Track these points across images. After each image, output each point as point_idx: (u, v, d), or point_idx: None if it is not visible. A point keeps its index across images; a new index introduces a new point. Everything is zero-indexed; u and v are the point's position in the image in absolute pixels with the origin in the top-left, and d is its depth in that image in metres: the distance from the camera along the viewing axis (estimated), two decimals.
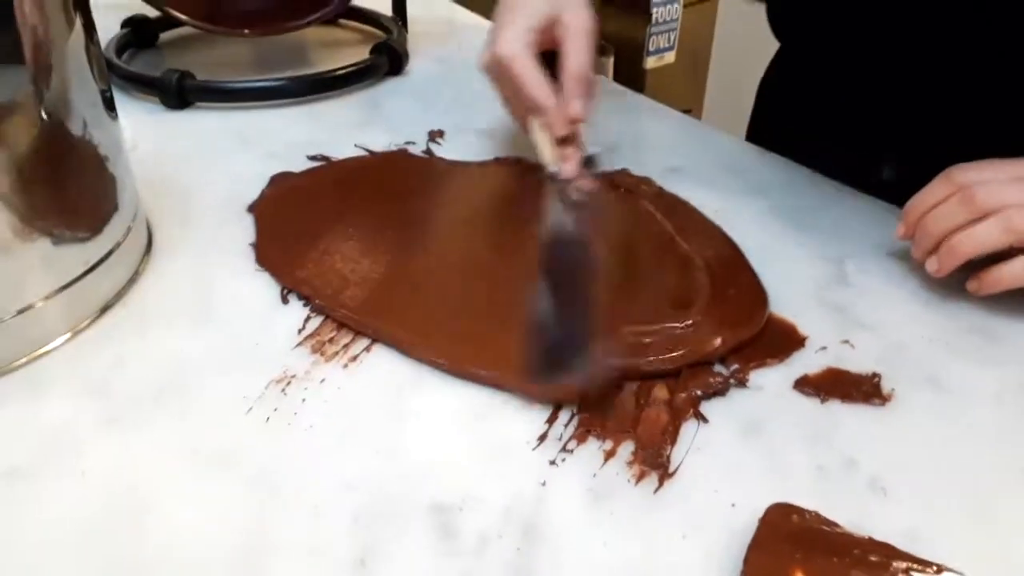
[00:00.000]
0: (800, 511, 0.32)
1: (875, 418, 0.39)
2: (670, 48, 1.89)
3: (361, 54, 0.76)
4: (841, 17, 0.59)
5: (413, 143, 0.64)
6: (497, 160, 0.60)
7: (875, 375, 0.41)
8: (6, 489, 0.35)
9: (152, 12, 0.77)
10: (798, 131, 0.67)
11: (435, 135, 0.65)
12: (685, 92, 1.94)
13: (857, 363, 0.42)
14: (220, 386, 0.40)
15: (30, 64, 0.39)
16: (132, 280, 0.47)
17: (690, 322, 0.43)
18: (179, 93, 0.67)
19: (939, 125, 0.56)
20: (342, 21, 0.86)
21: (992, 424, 0.39)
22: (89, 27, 0.44)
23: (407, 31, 0.83)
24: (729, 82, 1.80)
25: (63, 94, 0.42)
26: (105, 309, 0.45)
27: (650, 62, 1.88)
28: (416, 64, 0.79)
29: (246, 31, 0.73)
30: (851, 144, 0.61)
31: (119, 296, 0.46)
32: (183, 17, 0.70)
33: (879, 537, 0.33)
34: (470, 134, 0.65)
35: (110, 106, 0.47)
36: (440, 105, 0.71)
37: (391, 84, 0.75)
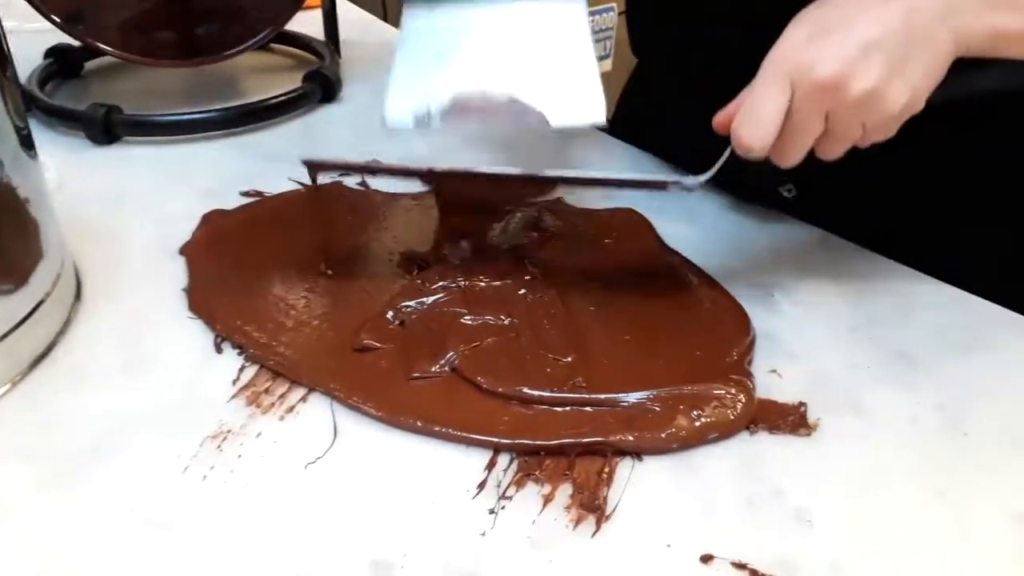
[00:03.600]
0: None
1: (801, 448, 0.41)
2: (607, 56, 1.91)
3: (294, 80, 0.75)
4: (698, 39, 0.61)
5: (348, 174, 0.63)
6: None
7: (801, 404, 0.43)
8: None
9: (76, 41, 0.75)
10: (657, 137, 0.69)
11: None
12: None
13: (784, 393, 0.44)
14: (154, 444, 0.39)
15: None
16: (62, 332, 0.46)
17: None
18: (106, 128, 0.66)
19: None
20: (273, 46, 0.85)
21: (911, 448, 0.41)
22: (1, 61, 0.43)
23: (340, 56, 0.82)
24: None
25: None
26: (35, 364, 0.44)
27: None
28: (350, 90, 0.79)
29: (172, 62, 0.72)
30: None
31: (49, 349, 0.45)
32: (107, 48, 0.69)
33: (805, 570, 0.34)
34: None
35: (28, 144, 0.46)
36: (375, 133, 0.71)
37: (325, 112, 0.75)
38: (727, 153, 0.45)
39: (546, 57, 0.49)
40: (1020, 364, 0.47)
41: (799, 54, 0.41)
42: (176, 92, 0.77)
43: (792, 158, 0.43)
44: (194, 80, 0.79)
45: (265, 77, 0.80)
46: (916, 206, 0.57)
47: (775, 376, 0.45)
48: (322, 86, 0.75)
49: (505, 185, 0.50)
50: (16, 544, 0.35)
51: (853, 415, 0.43)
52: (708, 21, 0.61)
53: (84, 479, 0.38)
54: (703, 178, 0.47)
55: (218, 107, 0.69)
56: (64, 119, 0.68)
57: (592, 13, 1.85)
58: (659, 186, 0.49)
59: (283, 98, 0.71)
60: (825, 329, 0.49)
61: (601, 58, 1.93)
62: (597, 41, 1.91)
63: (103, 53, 0.71)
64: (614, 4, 1.89)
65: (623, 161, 0.68)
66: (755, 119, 0.42)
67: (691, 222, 0.58)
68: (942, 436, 0.42)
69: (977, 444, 0.41)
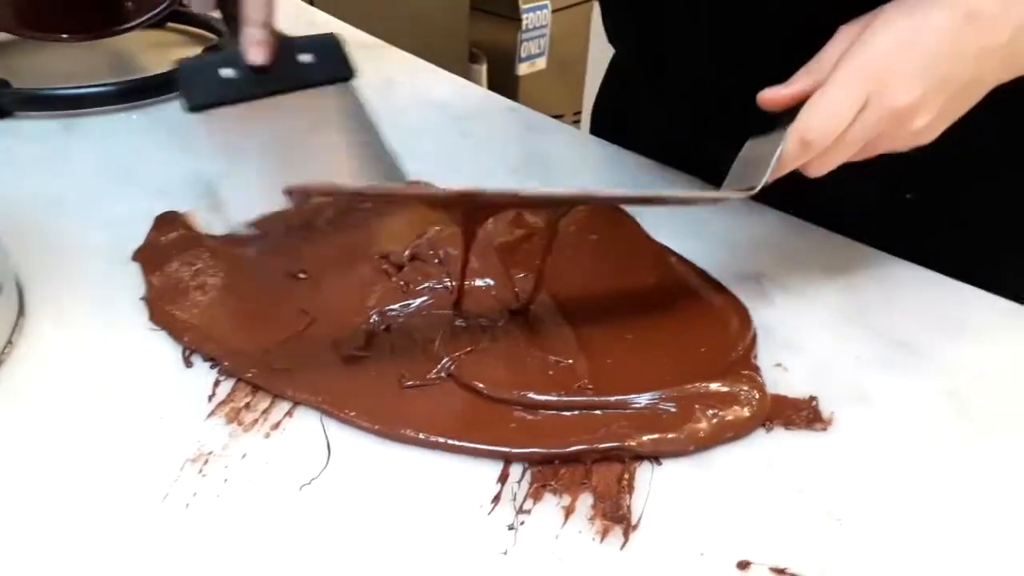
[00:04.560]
0: None
1: (820, 443, 0.39)
2: (541, 54, 1.90)
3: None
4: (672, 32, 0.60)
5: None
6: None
7: (812, 398, 0.42)
8: None
9: None
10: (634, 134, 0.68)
11: None
12: (558, 98, 1.96)
13: (791, 386, 0.42)
14: (126, 472, 0.35)
15: None
16: (5, 352, 0.41)
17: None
18: None
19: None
20: (170, 25, 0.81)
21: (926, 439, 0.40)
22: None
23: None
24: None
25: None
26: None
27: (522, 68, 1.88)
28: None
29: (64, 36, 0.67)
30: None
31: None
32: None
33: (842, 571, 0.33)
34: None
35: None
36: None
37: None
38: (779, 152, 0.41)
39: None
40: (1009, 346, 0.47)
41: (883, 64, 0.39)
42: (69, 73, 0.72)
43: (825, 169, 0.42)
44: (88, 59, 0.74)
45: (163, 53, 0.76)
46: (887, 191, 0.57)
47: (780, 370, 0.44)
48: None
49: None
50: None
51: (863, 406, 0.42)
52: (678, 17, 0.59)
53: (48, 517, 0.33)
54: (752, 192, 0.42)
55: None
56: None
57: (526, 11, 1.85)
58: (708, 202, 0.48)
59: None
60: (819, 319, 0.48)
61: (536, 56, 1.92)
62: (531, 40, 1.90)
63: None
64: (547, 2, 1.89)
65: (597, 159, 0.66)
66: (828, 114, 0.40)
67: (671, 213, 0.57)
68: (953, 425, 0.41)
69: (986, 431, 0.41)
